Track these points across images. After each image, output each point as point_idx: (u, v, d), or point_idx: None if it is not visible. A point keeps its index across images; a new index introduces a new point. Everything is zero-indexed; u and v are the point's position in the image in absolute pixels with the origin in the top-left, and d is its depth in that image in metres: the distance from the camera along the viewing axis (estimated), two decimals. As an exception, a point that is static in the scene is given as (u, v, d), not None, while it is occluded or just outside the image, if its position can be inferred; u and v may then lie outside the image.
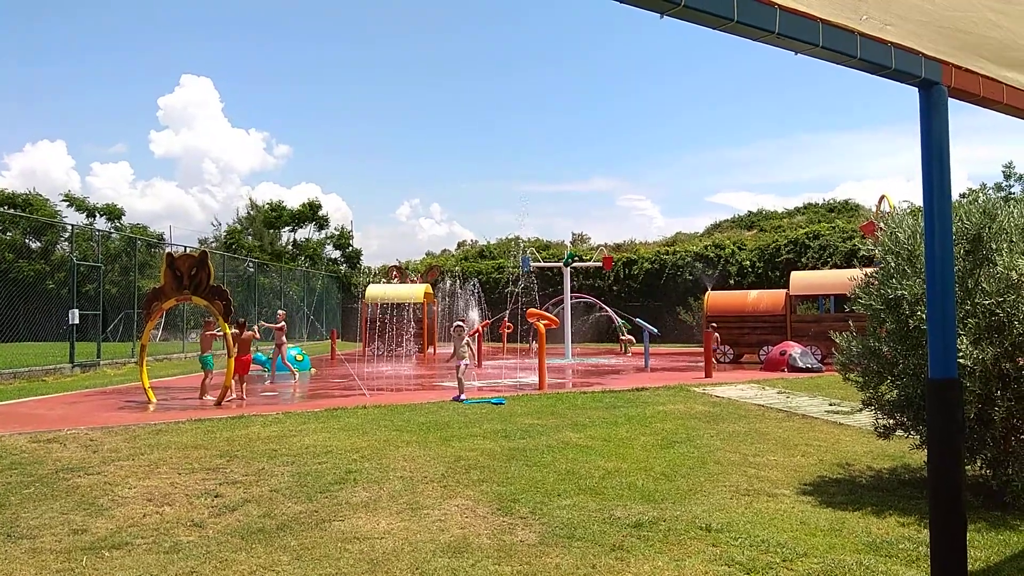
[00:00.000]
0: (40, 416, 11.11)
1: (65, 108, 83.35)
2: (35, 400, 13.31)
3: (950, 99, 3.41)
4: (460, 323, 13.40)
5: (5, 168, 74.85)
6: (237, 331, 13.71)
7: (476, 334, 23.88)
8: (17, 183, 69.74)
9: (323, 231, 50.06)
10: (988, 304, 5.58)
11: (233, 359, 12.85)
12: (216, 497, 6.17)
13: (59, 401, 13.21)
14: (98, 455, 7.90)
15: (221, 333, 13.03)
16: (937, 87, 3.32)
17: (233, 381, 13.10)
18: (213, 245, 44.93)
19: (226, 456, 7.81)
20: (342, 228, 50.54)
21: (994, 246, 5.77)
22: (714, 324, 20.85)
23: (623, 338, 28.55)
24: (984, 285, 5.65)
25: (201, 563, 4.59)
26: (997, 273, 5.64)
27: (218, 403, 12.37)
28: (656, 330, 24.84)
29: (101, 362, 20.49)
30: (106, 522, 5.49)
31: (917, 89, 3.34)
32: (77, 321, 19.61)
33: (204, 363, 13.82)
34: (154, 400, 12.76)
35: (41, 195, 42.33)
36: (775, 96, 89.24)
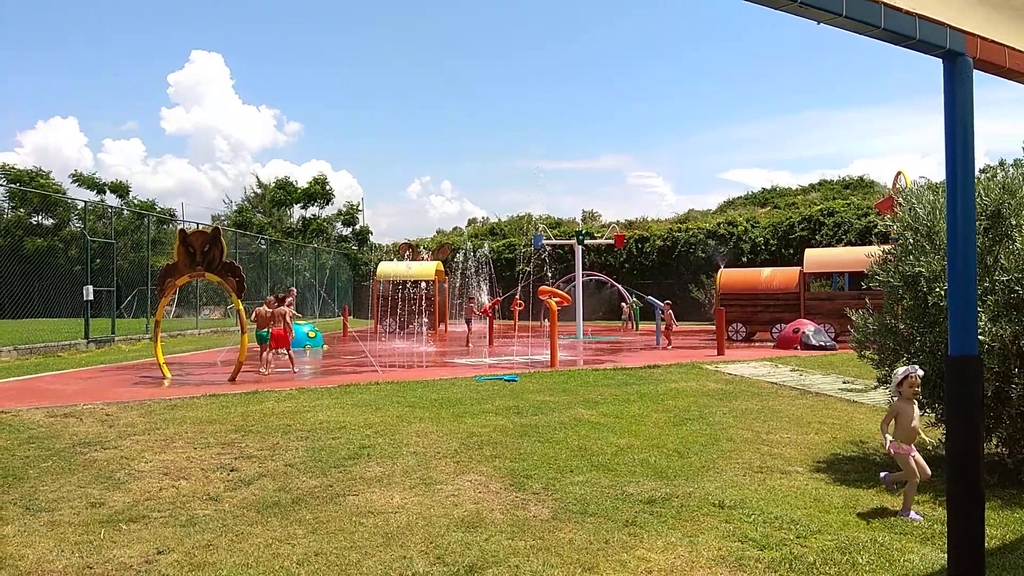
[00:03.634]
0: (56, 391, 11.22)
1: (76, 85, 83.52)
2: (51, 375, 13.44)
3: (974, 71, 3.34)
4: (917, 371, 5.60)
5: (18, 145, 75.19)
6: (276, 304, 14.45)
7: (485, 311, 23.93)
8: (30, 160, 69.99)
9: (330, 205, 49.92)
10: (1007, 281, 5.51)
11: (246, 335, 12.98)
12: (232, 471, 6.22)
13: (75, 376, 13.34)
14: (114, 430, 7.98)
15: (289, 315, 13.91)
16: (962, 58, 3.25)
17: (273, 354, 13.99)
18: (225, 223, 45.04)
19: (241, 431, 7.87)
20: (350, 204, 50.38)
21: (1014, 222, 5.69)
22: (669, 301, 21.10)
23: (626, 310, 28.92)
24: (1004, 262, 5.58)
25: (217, 536, 4.63)
26: (1017, 250, 5.56)
27: (232, 379, 12.46)
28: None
29: (116, 338, 20.67)
30: (123, 495, 5.55)
31: (941, 60, 3.27)
32: (92, 297, 19.76)
33: (259, 338, 14.16)
34: (169, 376, 12.87)
35: (44, 171, 42.45)
36: (789, 71, 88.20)
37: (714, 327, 26.66)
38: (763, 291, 21.68)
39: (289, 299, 16.02)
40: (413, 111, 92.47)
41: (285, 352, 14.25)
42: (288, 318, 14.43)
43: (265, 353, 13.89)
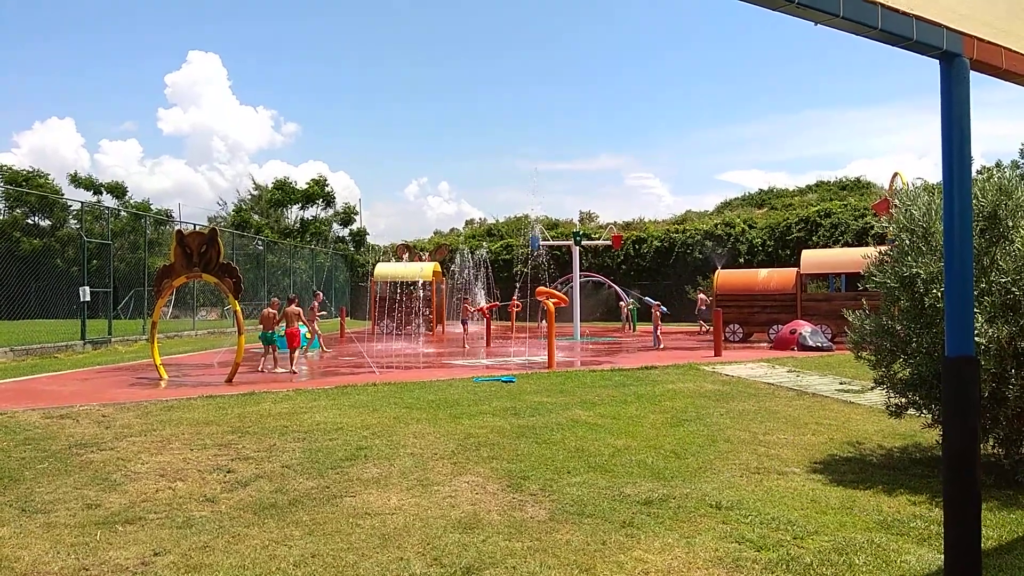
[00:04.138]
0: (53, 392, 11.19)
1: (73, 85, 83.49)
2: (48, 377, 13.41)
3: (971, 72, 3.34)
4: None
5: (15, 146, 75.06)
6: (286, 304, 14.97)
7: (481, 312, 23.90)
8: (27, 161, 69.85)
9: (330, 208, 49.87)
10: (1004, 282, 5.52)
11: (243, 336, 12.98)
12: (228, 473, 6.21)
13: (71, 378, 13.31)
14: (111, 431, 7.96)
15: (314, 316, 14.27)
16: (959, 59, 3.25)
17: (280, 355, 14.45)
18: (222, 224, 44.98)
19: (238, 432, 7.86)
20: (347, 205, 50.31)
21: (1011, 223, 5.70)
22: (659, 302, 21.20)
23: (626, 310, 29.04)
24: (1001, 263, 5.58)
25: (214, 538, 4.62)
26: (1014, 251, 5.57)
27: (229, 380, 12.44)
28: (665, 309, 24.77)
29: (112, 339, 20.62)
30: (119, 497, 5.53)
31: (938, 62, 3.27)
32: (88, 298, 19.72)
33: (264, 340, 14.64)
34: (166, 377, 12.84)
35: (41, 171, 42.45)
36: (788, 71, 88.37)
37: (696, 329, 26.86)
38: (760, 292, 21.68)
39: (315, 303, 17.53)
40: (411, 111, 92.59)
41: (294, 350, 14.34)
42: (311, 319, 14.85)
43: (280, 353, 14.48)
